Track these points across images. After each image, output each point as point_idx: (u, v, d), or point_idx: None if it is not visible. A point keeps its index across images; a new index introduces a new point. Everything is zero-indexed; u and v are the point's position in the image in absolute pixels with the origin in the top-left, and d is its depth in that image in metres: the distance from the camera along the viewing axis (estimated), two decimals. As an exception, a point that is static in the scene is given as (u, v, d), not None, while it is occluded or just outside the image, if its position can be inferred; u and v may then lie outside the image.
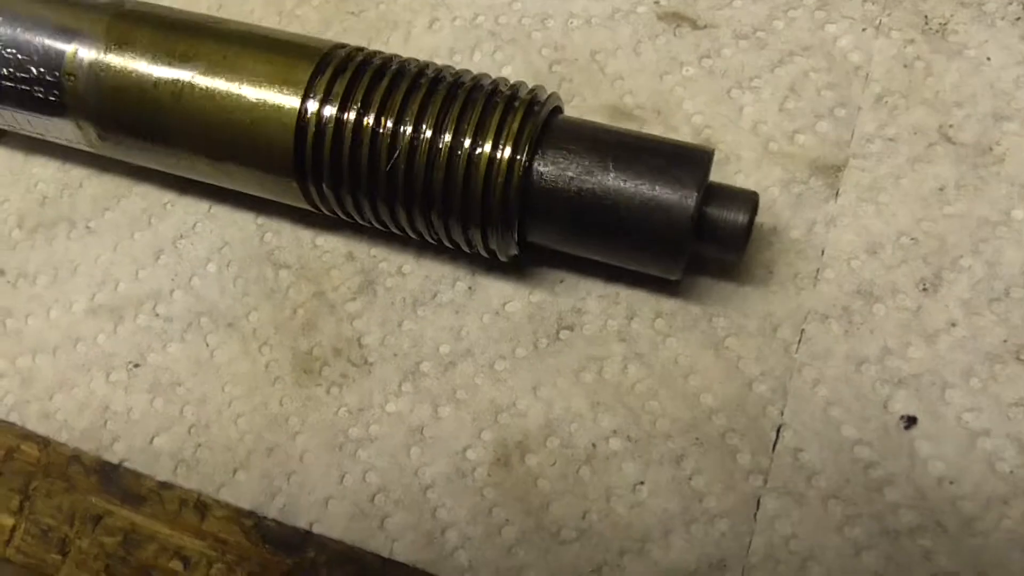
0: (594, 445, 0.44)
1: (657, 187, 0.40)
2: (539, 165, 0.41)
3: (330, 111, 0.42)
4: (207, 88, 0.44)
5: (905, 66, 0.49)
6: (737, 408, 0.44)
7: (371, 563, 0.44)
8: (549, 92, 0.43)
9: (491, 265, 0.49)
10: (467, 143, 0.41)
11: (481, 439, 0.45)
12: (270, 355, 0.49)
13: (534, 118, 0.41)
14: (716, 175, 0.45)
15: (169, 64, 0.45)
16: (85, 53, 0.46)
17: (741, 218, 0.41)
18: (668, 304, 0.47)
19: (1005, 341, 0.43)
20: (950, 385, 0.42)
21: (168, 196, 0.54)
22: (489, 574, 0.42)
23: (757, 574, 0.41)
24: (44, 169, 0.56)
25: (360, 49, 0.45)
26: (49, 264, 0.53)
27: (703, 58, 0.51)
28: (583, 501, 0.43)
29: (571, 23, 0.54)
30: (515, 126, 0.41)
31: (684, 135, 0.50)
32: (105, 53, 0.45)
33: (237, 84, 0.44)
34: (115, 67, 0.45)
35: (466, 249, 0.45)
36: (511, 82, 0.43)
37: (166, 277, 0.51)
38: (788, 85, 0.50)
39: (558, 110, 0.45)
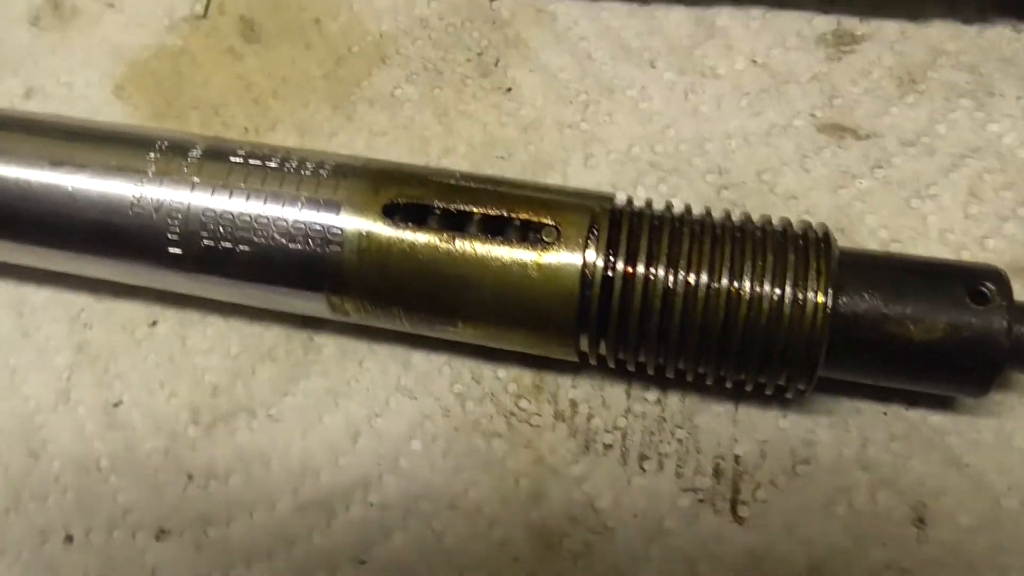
0: (867, 583, 0.45)
1: (965, 314, 0.42)
2: (841, 305, 0.44)
3: (618, 265, 0.45)
4: (487, 250, 0.46)
5: (1074, 155, 0.52)
6: (995, 524, 0.45)
7: None
8: (819, 225, 0.46)
9: (710, 409, 0.50)
10: (767, 288, 0.43)
11: (746, 591, 0.46)
12: (502, 532, 0.49)
13: (828, 257, 0.44)
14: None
15: (445, 233, 0.46)
16: (349, 222, 0.47)
17: None
18: (899, 426, 0.48)
19: None
20: None
21: (350, 372, 0.54)
22: None
23: None
24: (208, 358, 0.55)
25: (629, 200, 0.48)
26: (238, 460, 0.53)
27: (875, 168, 0.54)
28: (868, 644, 0.44)
29: (730, 144, 0.56)
30: (813, 266, 0.43)
31: (874, 250, 0.51)
32: (375, 221, 0.47)
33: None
34: (386, 237, 0.46)
35: (747, 388, 0.47)
36: (774, 220, 0.47)
37: (370, 461, 0.51)
38: (966, 189, 0.52)
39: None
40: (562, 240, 0.45)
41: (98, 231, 0.50)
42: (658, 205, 0.54)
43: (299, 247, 0.47)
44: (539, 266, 0.45)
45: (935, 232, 0.52)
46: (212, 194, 0.48)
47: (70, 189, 0.49)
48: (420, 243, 0.46)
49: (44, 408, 0.56)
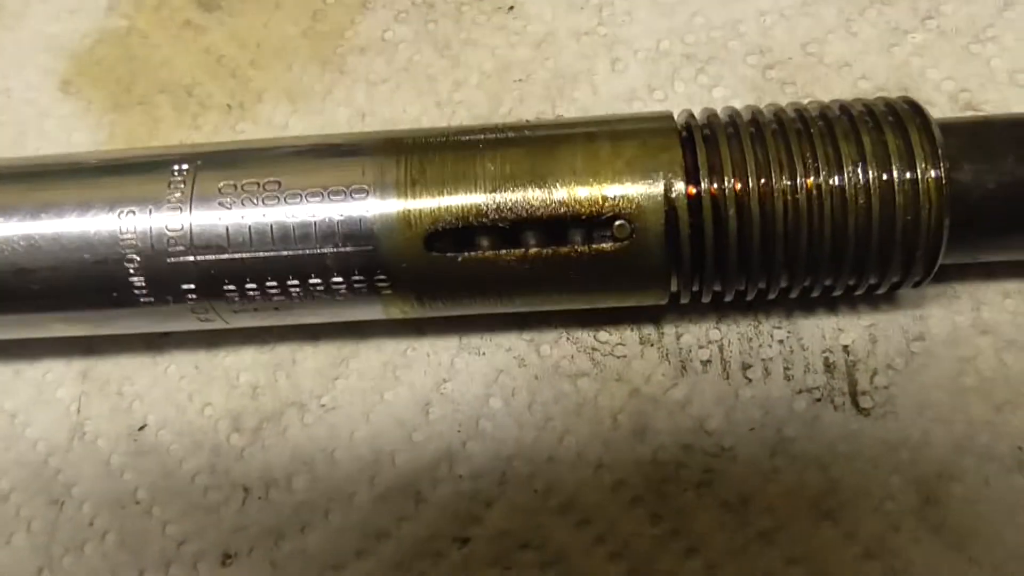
0: (1020, 448, 0.42)
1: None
2: (956, 178, 0.40)
3: (703, 194, 0.40)
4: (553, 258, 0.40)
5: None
6: None
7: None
8: (902, 99, 0.42)
9: (807, 305, 0.46)
10: (873, 174, 0.39)
11: (898, 480, 0.43)
12: (612, 476, 0.45)
13: (928, 128, 0.40)
14: (996, 135, 0.44)
15: (502, 251, 0.40)
16: (392, 267, 0.41)
17: None
18: (1011, 284, 0.46)
19: None
20: None
21: (405, 340, 0.49)
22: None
23: None
24: (239, 357, 0.50)
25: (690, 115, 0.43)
26: (297, 461, 0.48)
27: (925, 20, 0.52)
28: (1033, 513, 0.42)
29: (765, 21, 0.53)
30: (916, 142, 0.39)
31: (942, 106, 0.49)
32: (420, 258, 0.40)
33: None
34: (439, 268, 0.41)
35: (858, 292, 0.43)
36: (854, 99, 0.43)
37: (449, 431, 0.47)
38: (1025, 24, 0.50)
39: None
40: (638, 231, 0.39)
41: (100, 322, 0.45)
42: (709, 101, 0.52)
43: (344, 299, 0.42)
44: (617, 258, 0.40)
45: (1003, 75, 0.50)
46: (223, 277, 0.41)
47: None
48: (477, 266, 0.41)
49: (57, 449, 0.50)
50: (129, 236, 0.40)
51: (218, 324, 0.44)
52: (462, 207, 0.39)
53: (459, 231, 0.40)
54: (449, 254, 0.40)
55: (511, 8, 0.56)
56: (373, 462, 0.47)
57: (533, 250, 0.40)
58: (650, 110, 0.51)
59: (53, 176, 0.43)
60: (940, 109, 0.49)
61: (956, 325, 0.46)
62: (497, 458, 0.47)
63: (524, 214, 0.39)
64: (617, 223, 0.39)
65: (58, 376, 0.51)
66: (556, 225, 0.40)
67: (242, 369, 0.50)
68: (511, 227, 0.40)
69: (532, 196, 0.40)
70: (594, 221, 0.39)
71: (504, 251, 0.40)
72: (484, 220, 0.39)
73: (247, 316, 0.43)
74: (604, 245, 0.39)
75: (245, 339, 0.50)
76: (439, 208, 0.39)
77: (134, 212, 0.40)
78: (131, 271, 0.40)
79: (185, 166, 0.41)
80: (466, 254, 0.40)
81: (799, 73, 0.51)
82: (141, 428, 0.50)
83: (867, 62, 0.51)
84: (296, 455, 0.48)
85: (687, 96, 0.52)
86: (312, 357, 0.50)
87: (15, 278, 0.41)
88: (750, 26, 0.53)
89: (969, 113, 0.49)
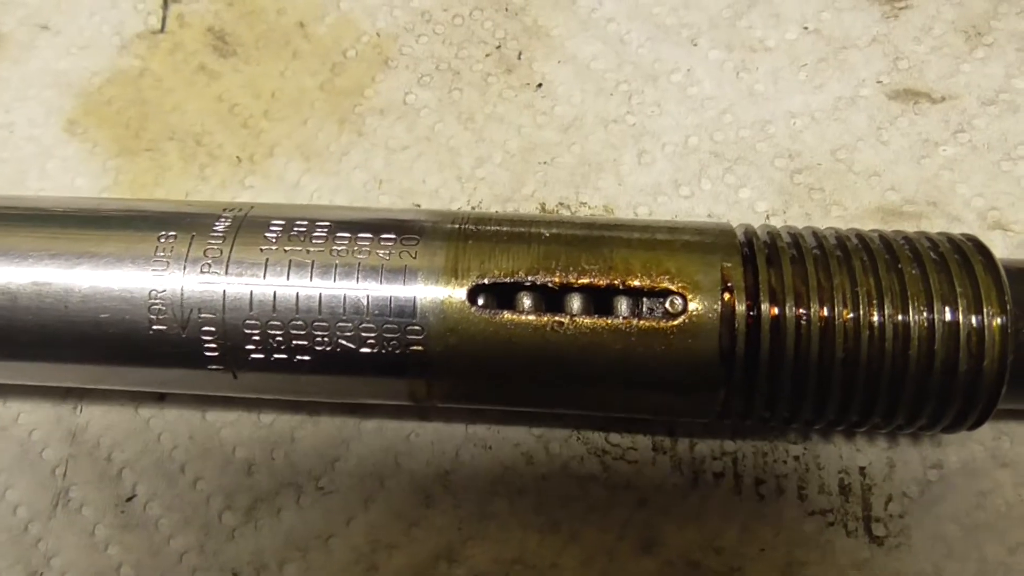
0: (1034, 594, 0.42)
1: None
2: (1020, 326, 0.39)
3: (763, 314, 0.39)
4: (599, 331, 0.39)
5: None
6: None
7: None
8: (963, 235, 0.41)
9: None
10: (938, 315, 0.38)
11: (900, 619, 0.42)
12: (617, 588, 0.44)
13: (995, 269, 0.39)
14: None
15: (545, 316, 0.39)
16: (429, 317, 0.39)
17: None
18: (1031, 414, 0.45)
19: None
20: None
21: (408, 426, 0.48)
22: None
23: None
24: (235, 430, 0.49)
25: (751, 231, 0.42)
26: (290, 546, 0.46)
27: (957, 133, 0.51)
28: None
29: (795, 124, 0.52)
30: (983, 283, 0.38)
31: (970, 223, 0.49)
32: (460, 311, 0.39)
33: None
34: (477, 329, 0.39)
35: (907, 430, 0.42)
36: (916, 232, 0.42)
37: (450, 526, 0.46)
38: (1058, 146, 0.49)
39: None
40: (690, 309, 0.38)
41: (111, 355, 0.42)
42: (736, 201, 0.51)
43: (372, 351, 0.40)
44: (666, 339, 0.38)
45: (1034, 196, 0.49)
46: (251, 300, 0.40)
47: (65, 308, 0.40)
48: (518, 331, 0.39)
49: (39, 515, 0.48)
50: (162, 255, 0.40)
51: (225, 379, 0.41)
52: (511, 263, 0.39)
53: (505, 291, 0.39)
54: (491, 311, 0.38)
55: (539, 85, 0.54)
56: (370, 553, 0.46)
57: (579, 318, 0.38)
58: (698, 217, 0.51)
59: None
60: (969, 226, 0.49)
61: (974, 455, 0.45)
62: (498, 561, 0.45)
63: (572, 277, 0.38)
64: (670, 294, 0.38)
65: (44, 435, 0.50)
66: (604, 295, 0.39)
67: (239, 443, 0.48)
68: (559, 290, 0.39)
69: (583, 258, 0.39)
70: (646, 294, 0.38)
71: (548, 315, 0.38)
72: (532, 279, 0.38)
73: (259, 367, 0.40)
74: (654, 323, 0.38)
75: (244, 411, 0.49)
76: (487, 263, 0.39)
77: (175, 237, 0.40)
78: (154, 290, 0.39)
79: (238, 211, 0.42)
80: (507, 313, 0.39)
81: (827, 179, 0.51)
82: (129, 499, 0.48)
83: (897, 173, 0.51)
84: (290, 540, 0.46)
85: (713, 195, 0.51)
86: (312, 436, 0.48)
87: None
88: (779, 128, 0.52)
89: (998, 232, 0.49)
